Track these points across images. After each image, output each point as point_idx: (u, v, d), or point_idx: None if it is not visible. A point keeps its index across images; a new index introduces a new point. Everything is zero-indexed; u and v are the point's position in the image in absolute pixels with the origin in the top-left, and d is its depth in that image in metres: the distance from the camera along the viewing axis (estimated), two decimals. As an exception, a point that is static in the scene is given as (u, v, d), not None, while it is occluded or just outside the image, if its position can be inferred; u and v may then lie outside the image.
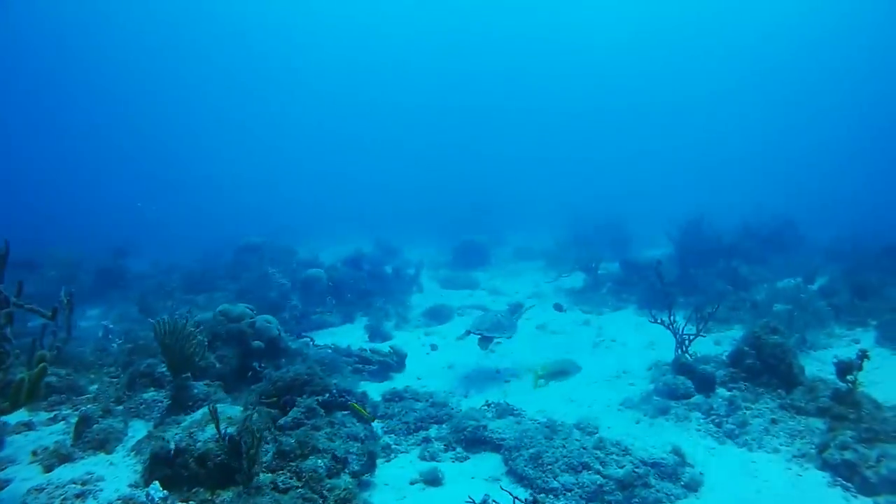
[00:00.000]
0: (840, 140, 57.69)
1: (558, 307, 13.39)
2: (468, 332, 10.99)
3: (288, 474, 6.30)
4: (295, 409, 7.37)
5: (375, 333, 13.92)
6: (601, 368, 10.78)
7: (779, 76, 68.95)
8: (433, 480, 7.00)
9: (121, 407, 8.57)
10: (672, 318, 9.90)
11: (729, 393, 8.42)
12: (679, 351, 9.74)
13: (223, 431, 6.28)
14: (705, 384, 8.57)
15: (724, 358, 9.26)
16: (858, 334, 11.85)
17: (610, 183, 46.68)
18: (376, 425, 8.43)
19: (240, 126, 77.90)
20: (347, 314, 15.93)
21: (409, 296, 18.68)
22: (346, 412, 7.64)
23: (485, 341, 10.74)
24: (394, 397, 9.27)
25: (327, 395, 7.70)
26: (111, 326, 13.36)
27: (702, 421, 7.98)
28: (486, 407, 8.90)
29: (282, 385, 7.87)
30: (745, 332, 9.45)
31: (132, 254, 24.14)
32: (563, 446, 6.93)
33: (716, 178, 47.68)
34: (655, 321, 9.88)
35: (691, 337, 9.71)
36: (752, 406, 7.98)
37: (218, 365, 9.28)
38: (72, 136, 70.17)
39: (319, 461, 6.46)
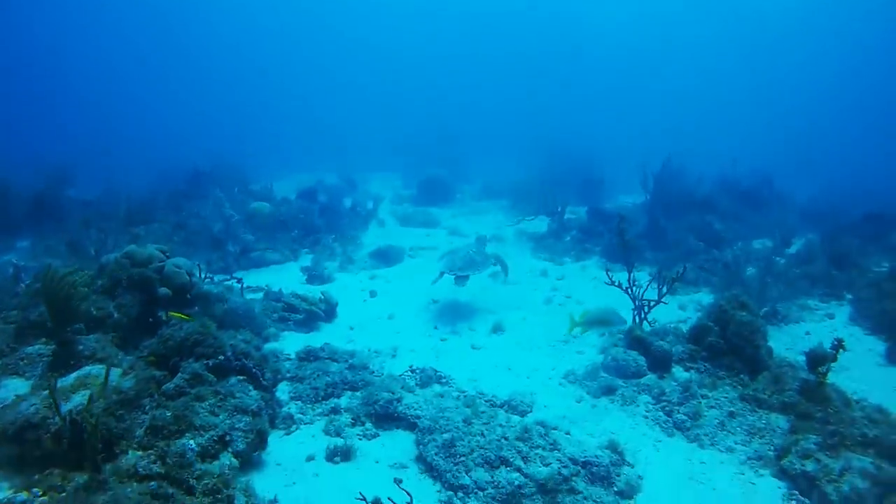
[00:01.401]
0: (825, 96, 55.93)
1: (481, 240, 12.06)
2: (442, 274, 10.53)
3: (153, 457, 5.25)
4: (179, 374, 6.30)
5: (314, 275, 12.75)
6: (549, 330, 9.70)
7: (765, 26, 66.55)
8: (332, 461, 6.07)
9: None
10: (632, 279, 8.84)
11: (686, 374, 7.39)
12: (636, 319, 8.71)
13: (68, 412, 5.23)
14: (659, 363, 7.52)
15: (684, 330, 8.20)
16: (833, 308, 10.86)
17: (588, 120, 44.87)
18: (283, 388, 7.40)
19: (209, 51, 74.51)
20: (293, 251, 14.76)
21: (363, 232, 17.51)
22: (241, 377, 6.58)
23: (461, 280, 10.39)
24: (308, 356, 8.15)
25: (221, 357, 6.61)
26: (21, 264, 12.03)
27: (651, 406, 6.96)
28: (409, 372, 7.86)
29: (172, 344, 6.78)
30: (711, 303, 8.41)
31: (81, 180, 22.60)
32: (482, 434, 5.89)
33: (697, 124, 46.02)
34: (612, 283, 8.77)
35: (651, 304, 8.67)
36: (709, 394, 6.93)
37: (116, 315, 8.16)
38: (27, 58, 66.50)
39: (192, 441, 5.42)
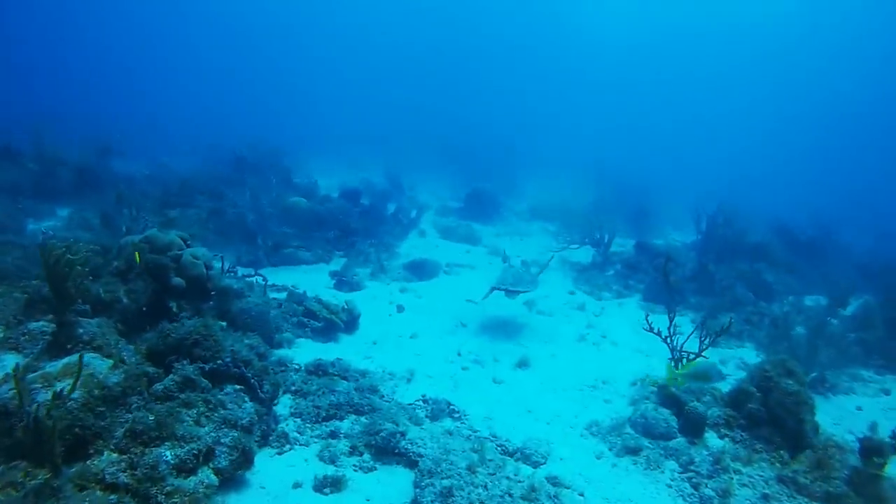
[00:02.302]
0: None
1: (506, 258, 11.89)
2: (493, 289, 10.43)
3: (124, 464, 4.83)
4: (170, 376, 5.88)
5: (343, 281, 12.32)
6: (578, 371, 9.05)
7: (832, 69, 64.36)
8: (320, 491, 5.56)
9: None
10: (672, 328, 8.12)
11: (720, 442, 6.68)
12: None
13: (36, 406, 4.82)
14: (692, 426, 6.81)
15: (723, 391, 7.48)
16: (889, 382, 9.94)
17: (643, 148, 43.74)
18: (285, 402, 6.92)
19: (266, 37, 75.05)
20: (326, 252, 14.36)
21: (403, 241, 17.09)
22: (239, 387, 6.14)
23: (511, 294, 10.48)
24: (317, 370, 7.67)
25: (219, 362, 6.18)
26: (50, 233, 11.86)
27: (677, 475, 6.26)
28: (421, 402, 7.33)
29: (171, 341, 6.38)
30: (755, 365, 7.65)
31: (133, 155, 22.73)
32: (485, 486, 5.31)
33: (758, 164, 44.63)
34: (651, 330, 8.08)
35: (691, 357, 7.96)
36: (743, 470, 6.21)
37: (125, 300, 7.80)
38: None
39: (169, 452, 4.99)
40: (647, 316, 8.30)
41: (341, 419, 6.75)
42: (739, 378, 7.64)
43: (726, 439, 6.73)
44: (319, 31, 78.60)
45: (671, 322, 8.17)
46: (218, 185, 17.34)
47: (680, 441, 6.70)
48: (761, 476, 6.14)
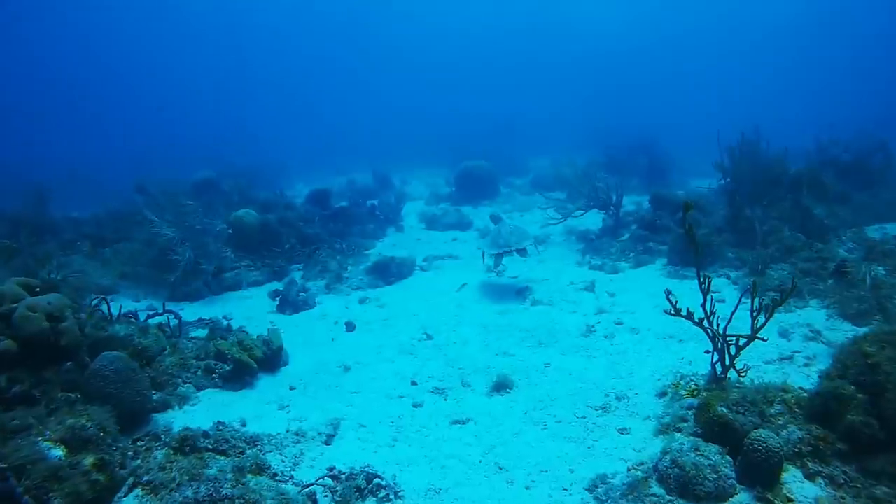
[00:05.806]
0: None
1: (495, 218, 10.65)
2: (501, 254, 9.61)
3: None
4: None
5: (287, 301, 9.81)
6: (582, 384, 6.31)
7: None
8: None
9: None
10: (711, 305, 5.31)
11: (810, 490, 3.98)
12: (715, 370, 5.36)
13: None
14: (758, 471, 4.05)
15: (799, 396, 4.77)
16: None
17: (656, 102, 40.46)
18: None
19: (250, 57, 72.25)
20: (277, 269, 11.88)
21: (379, 239, 14.65)
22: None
23: (522, 252, 9.54)
24: (183, 445, 5.08)
25: (-20, 473, 3.79)
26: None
27: (745, 574, 3.59)
28: (329, 478, 4.75)
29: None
30: (843, 344, 4.83)
31: (91, 195, 20.68)
32: None
33: (782, 88, 41.39)
34: (678, 313, 5.36)
35: (741, 342, 5.25)
36: (866, 554, 3.54)
37: (-72, 387, 5.46)
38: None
39: None
40: (669, 294, 5.49)
41: (200, 533, 4.21)
42: (822, 370, 4.91)
43: (819, 482, 4.02)
44: (297, 34, 75.85)
45: (706, 296, 5.36)
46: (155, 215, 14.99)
47: (742, 499, 4.00)
48: (903, 562, 3.43)
